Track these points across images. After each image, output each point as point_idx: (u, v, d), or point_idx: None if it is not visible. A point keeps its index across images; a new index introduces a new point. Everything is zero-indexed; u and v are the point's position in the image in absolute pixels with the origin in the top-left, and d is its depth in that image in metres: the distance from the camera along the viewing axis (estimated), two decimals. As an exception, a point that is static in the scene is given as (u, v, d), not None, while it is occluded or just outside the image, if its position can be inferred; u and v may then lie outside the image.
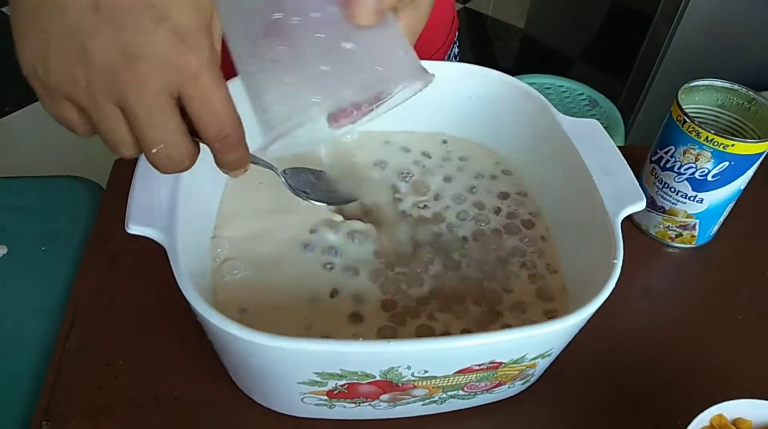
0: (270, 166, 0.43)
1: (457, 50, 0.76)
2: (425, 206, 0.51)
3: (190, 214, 0.42)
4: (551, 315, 0.45)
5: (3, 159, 1.60)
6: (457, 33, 0.75)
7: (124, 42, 0.28)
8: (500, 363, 0.38)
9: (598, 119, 1.24)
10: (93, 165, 0.76)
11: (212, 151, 0.33)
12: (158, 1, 0.28)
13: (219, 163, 0.34)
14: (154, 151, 0.31)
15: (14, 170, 0.72)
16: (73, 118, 0.31)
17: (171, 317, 0.47)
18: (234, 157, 0.33)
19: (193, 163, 0.33)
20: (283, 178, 0.45)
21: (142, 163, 0.43)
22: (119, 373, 0.46)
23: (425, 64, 0.34)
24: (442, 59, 0.71)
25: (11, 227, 0.58)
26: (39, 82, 0.29)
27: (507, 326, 0.44)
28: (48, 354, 0.47)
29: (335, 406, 0.41)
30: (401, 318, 0.43)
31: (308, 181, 0.47)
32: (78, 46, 0.28)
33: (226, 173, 0.35)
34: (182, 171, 0.33)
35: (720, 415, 0.40)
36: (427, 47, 0.68)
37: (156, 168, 0.32)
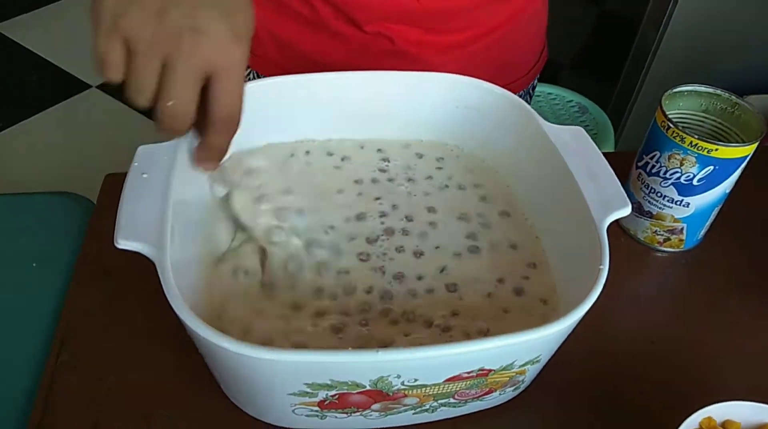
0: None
1: (535, 82, 0.77)
2: (409, 216, 0.51)
3: (180, 228, 0.43)
4: (540, 321, 0.45)
5: (-6, 176, 1.60)
6: (541, 68, 0.76)
7: (196, 18, 0.36)
8: (490, 370, 0.38)
9: (587, 126, 1.26)
10: (83, 181, 0.76)
11: (208, 131, 0.40)
12: (232, 4, 0.37)
13: (206, 144, 0.41)
14: (169, 103, 0.37)
15: (4, 187, 0.73)
16: (116, 58, 0.37)
17: (163, 332, 0.47)
18: (223, 142, 0.40)
19: (186, 129, 0.39)
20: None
21: (131, 178, 0.43)
22: (111, 388, 0.46)
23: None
24: (524, 88, 0.74)
25: (2, 244, 0.58)
26: (107, 18, 0.36)
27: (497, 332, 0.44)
28: (39, 371, 0.47)
29: (327, 416, 0.41)
30: (386, 326, 0.44)
31: None
32: (160, 7, 0.36)
33: (199, 164, 0.43)
34: (176, 133, 0.39)
35: (709, 418, 0.40)
36: (510, 71, 0.70)
37: (161, 123, 0.38)
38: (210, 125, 0.39)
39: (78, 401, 0.45)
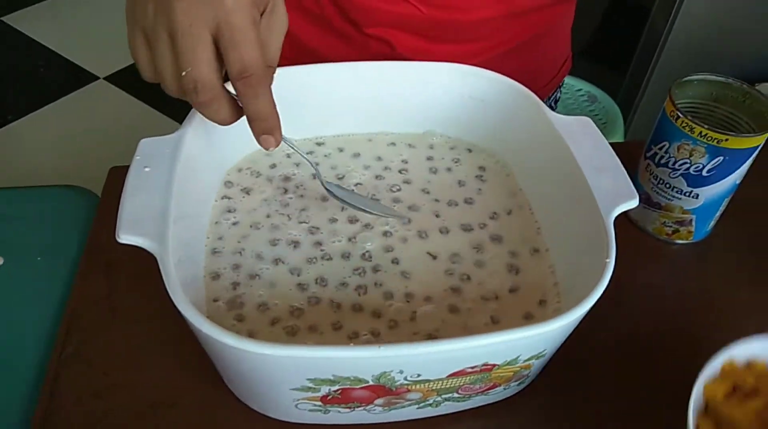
0: (303, 155, 0.47)
1: (559, 95, 0.74)
2: (413, 206, 0.51)
3: (183, 222, 0.43)
4: (544, 315, 0.44)
5: (1, 169, 1.60)
6: (566, 74, 0.73)
7: None
8: (494, 365, 0.38)
9: (597, 115, 1.24)
10: (91, 173, 0.76)
11: (240, 98, 0.38)
12: None
13: (247, 115, 0.39)
14: (183, 74, 0.36)
15: (12, 179, 0.73)
16: (142, 51, 0.38)
17: (168, 324, 0.47)
18: (257, 104, 0.38)
19: (219, 104, 0.38)
20: (315, 170, 0.48)
21: (133, 172, 0.43)
22: (116, 381, 0.46)
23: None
24: (546, 96, 0.71)
25: (7, 238, 0.58)
26: (129, 15, 0.38)
27: (500, 326, 0.43)
28: (45, 364, 0.47)
29: (330, 411, 0.41)
30: (390, 320, 0.43)
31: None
32: None
33: (261, 142, 0.40)
34: (213, 111, 0.38)
35: (731, 362, 0.38)
36: (529, 82, 0.67)
37: (187, 96, 0.37)
38: (236, 89, 0.37)
39: (83, 394, 0.45)
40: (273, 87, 0.39)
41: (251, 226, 0.49)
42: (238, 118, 0.40)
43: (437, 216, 0.51)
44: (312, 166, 0.48)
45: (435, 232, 0.49)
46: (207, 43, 0.36)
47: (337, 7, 0.59)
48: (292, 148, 0.45)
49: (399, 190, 0.53)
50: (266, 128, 0.39)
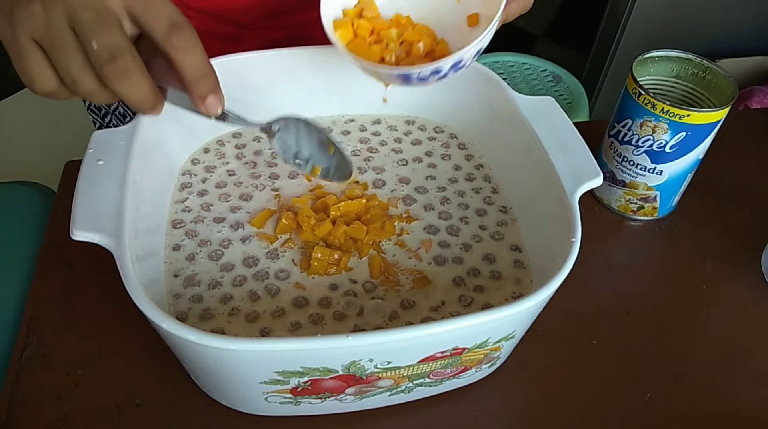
0: (248, 121, 0.42)
1: None
2: (383, 184, 0.51)
3: (139, 216, 0.41)
4: (515, 294, 0.44)
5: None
6: None
7: None
8: (463, 349, 0.37)
9: (561, 95, 1.25)
10: (46, 170, 0.74)
11: (176, 56, 0.33)
12: None
13: (187, 77, 0.34)
14: (94, 45, 0.32)
15: (-36, 178, 0.70)
16: (33, 56, 0.33)
17: (129, 320, 0.45)
18: (197, 56, 0.34)
19: (137, 69, 0.33)
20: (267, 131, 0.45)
21: (86, 165, 0.41)
22: (79, 382, 0.45)
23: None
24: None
25: (-40, 238, 0.56)
26: (8, 31, 0.33)
27: (471, 305, 0.43)
28: (4, 365, 0.46)
29: (301, 403, 0.40)
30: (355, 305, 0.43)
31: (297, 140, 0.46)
32: None
33: (205, 106, 0.35)
34: (127, 77, 0.32)
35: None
36: None
37: (104, 70, 0.32)
38: (170, 47, 0.33)
39: (45, 396, 0.44)
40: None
41: (210, 214, 0.48)
42: (161, 103, 0.35)
43: (412, 201, 0.50)
44: (261, 129, 0.44)
45: (406, 213, 0.49)
46: (117, 22, 0.33)
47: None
48: (236, 117, 0.40)
49: (365, 171, 0.52)
50: (208, 87, 0.35)
